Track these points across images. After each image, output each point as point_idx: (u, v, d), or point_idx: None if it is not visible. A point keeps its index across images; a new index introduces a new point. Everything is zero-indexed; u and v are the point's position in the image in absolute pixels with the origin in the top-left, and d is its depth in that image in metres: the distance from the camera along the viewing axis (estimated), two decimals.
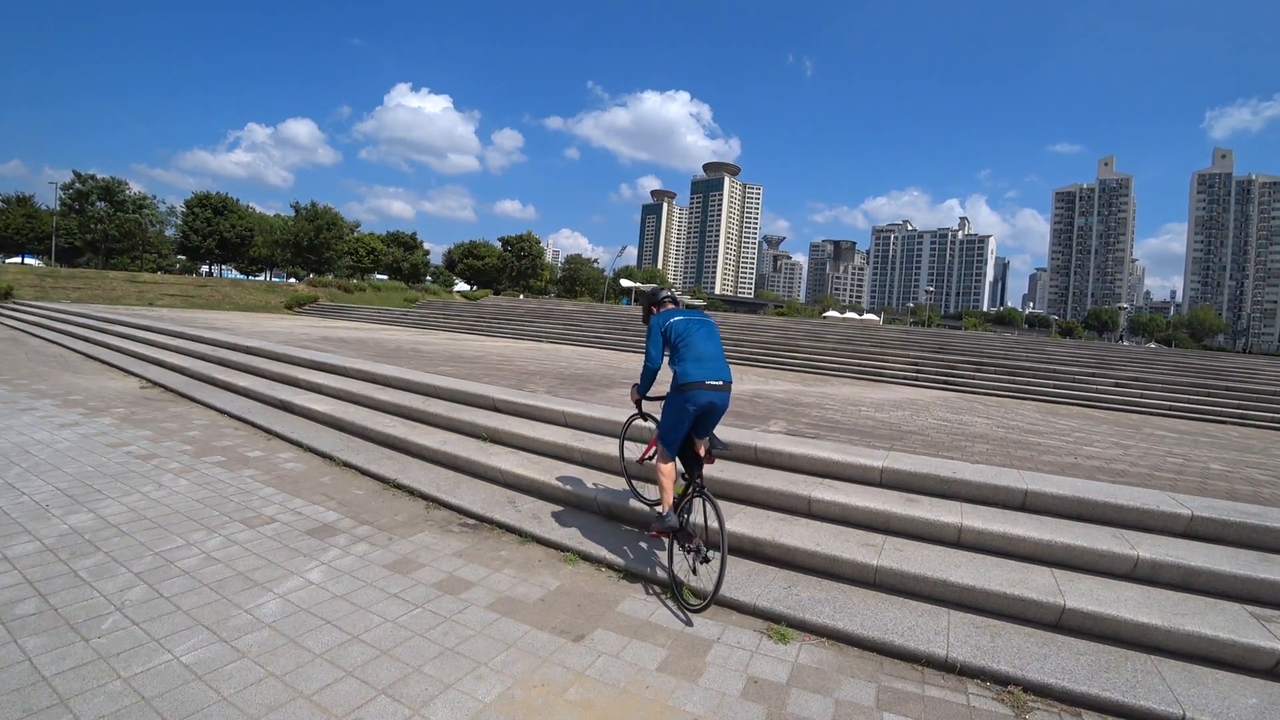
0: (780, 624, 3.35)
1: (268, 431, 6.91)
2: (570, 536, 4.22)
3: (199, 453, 6.03)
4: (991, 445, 6.37)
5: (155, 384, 9.67)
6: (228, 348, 11.57)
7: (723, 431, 4.49)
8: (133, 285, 36.13)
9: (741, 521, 4.18)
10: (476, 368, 10.27)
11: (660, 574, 3.75)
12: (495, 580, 3.67)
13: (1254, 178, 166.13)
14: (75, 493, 4.69)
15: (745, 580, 3.68)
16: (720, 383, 3.70)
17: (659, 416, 4.02)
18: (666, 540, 3.83)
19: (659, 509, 3.74)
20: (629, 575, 3.84)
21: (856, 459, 4.78)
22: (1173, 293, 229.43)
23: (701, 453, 3.91)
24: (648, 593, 3.67)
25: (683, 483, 3.91)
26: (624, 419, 5.05)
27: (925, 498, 4.44)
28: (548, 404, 6.41)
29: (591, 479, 5.00)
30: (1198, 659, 3.16)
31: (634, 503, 4.53)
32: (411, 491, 5.11)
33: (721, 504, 3.72)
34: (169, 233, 65.67)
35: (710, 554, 3.50)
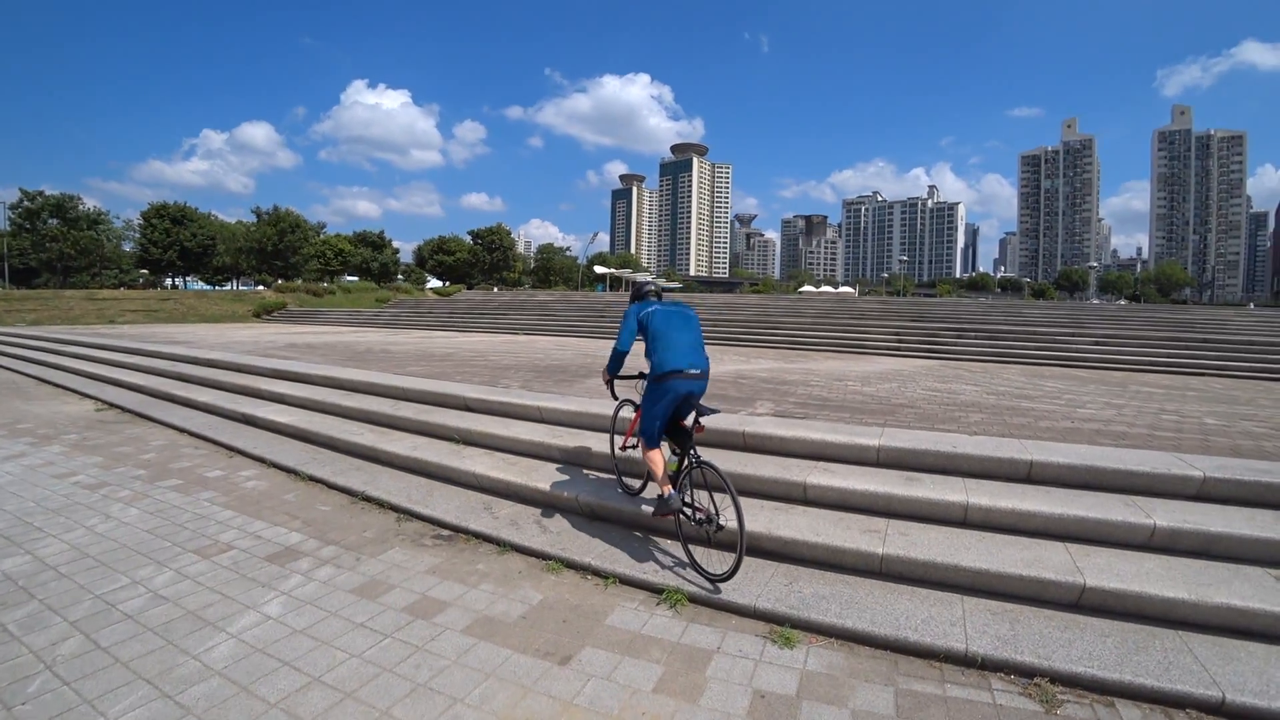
0: (784, 625, 3.09)
1: (229, 448, 6.52)
2: (552, 543, 3.92)
3: (153, 477, 5.63)
4: (985, 414, 6.17)
5: (111, 405, 9.17)
6: (188, 362, 11.06)
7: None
8: (92, 303, 34.92)
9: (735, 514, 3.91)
10: (448, 365, 9.89)
11: (653, 578, 3.47)
12: (472, 598, 3.37)
13: (1213, 133, 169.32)
14: (12, 533, 4.29)
15: (743, 579, 3.41)
16: (697, 371, 3.73)
17: (634, 399, 4.27)
18: (673, 520, 3.76)
19: (660, 493, 3.64)
20: (618, 581, 3.54)
21: (851, 438, 4.54)
22: (1139, 249, 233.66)
23: (688, 425, 3.84)
24: (639, 600, 3.38)
25: (675, 460, 3.87)
26: (603, 410, 5.02)
27: (926, 475, 4.20)
28: (522, 400, 6.09)
29: (572, 478, 4.69)
30: (1228, 631, 2.97)
31: (622, 503, 4.23)
32: (381, 504, 4.78)
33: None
34: (127, 247, 63.77)
35: (722, 520, 3.45)
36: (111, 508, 4.83)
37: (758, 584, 3.36)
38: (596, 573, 3.61)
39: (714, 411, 3.78)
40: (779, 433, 4.72)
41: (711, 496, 3.52)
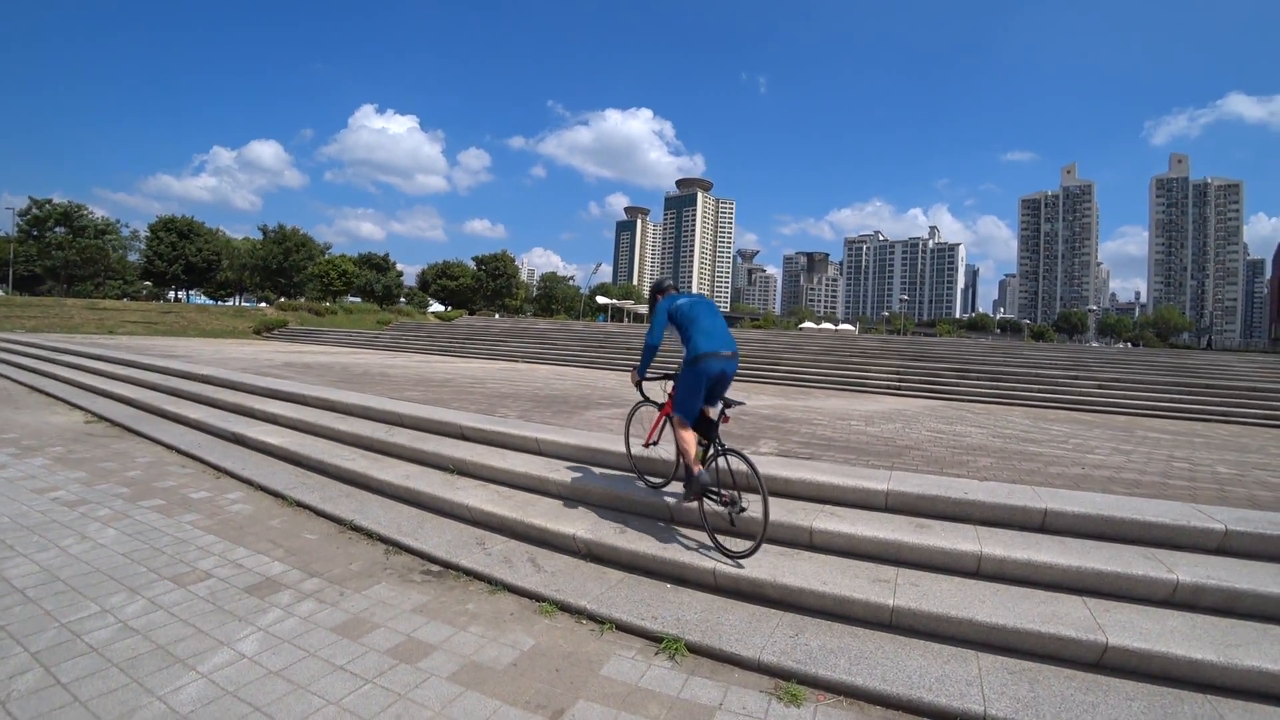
0: (790, 681, 2.90)
1: (217, 469, 6.34)
2: (546, 583, 3.73)
3: (136, 496, 5.46)
4: (994, 458, 6.02)
5: (101, 418, 9.00)
6: (181, 376, 10.92)
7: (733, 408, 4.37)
8: (92, 313, 34.91)
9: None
10: (446, 391, 9.74)
11: (650, 625, 3.29)
12: (460, 642, 3.18)
13: (1210, 181, 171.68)
14: None
15: (746, 628, 3.24)
16: (729, 352, 4.08)
17: (655, 399, 4.71)
18: (698, 504, 4.01)
19: (691, 470, 3.93)
20: (614, 627, 3.36)
21: (858, 482, 4.38)
22: (1137, 293, 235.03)
23: (714, 416, 4.16)
24: (636, 649, 3.19)
25: (700, 449, 4.12)
26: (603, 445, 5.11)
27: (936, 522, 4.05)
28: (520, 430, 5.93)
29: (570, 514, 4.52)
30: (1259, 696, 2.80)
31: (620, 542, 4.06)
32: (370, 534, 4.60)
33: None
34: (132, 258, 64.00)
35: (745, 503, 3.79)
36: (89, 527, 4.65)
37: (762, 635, 3.18)
38: (592, 617, 3.43)
39: (740, 403, 4.24)
40: (784, 474, 4.56)
41: (734, 480, 3.86)
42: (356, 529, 4.71)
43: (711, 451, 4.04)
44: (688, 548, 3.91)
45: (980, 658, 3.05)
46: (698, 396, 4.06)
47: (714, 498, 3.86)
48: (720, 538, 3.89)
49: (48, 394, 11.34)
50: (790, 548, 3.92)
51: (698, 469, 3.90)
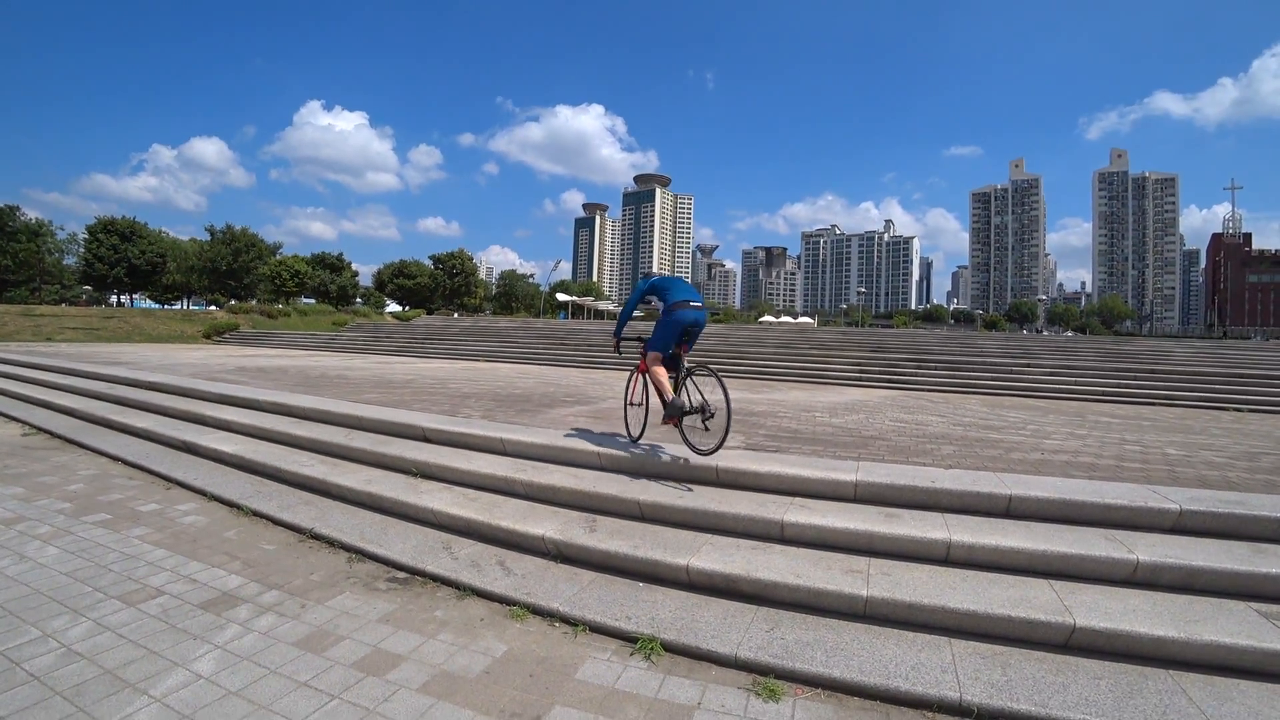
0: (767, 676, 2.88)
1: (166, 479, 6.07)
2: (517, 587, 3.64)
3: (79, 511, 5.18)
4: (956, 446, 6.13)
5: (40, 429, 8.54)
6: (127, 384, 10.45)
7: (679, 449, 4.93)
8: (28, 319, 33.24)
9: (710, 555, 3.70)
10: (407, 393, 9.52)
11: (625, 625, 3.23)
12: (429, 650, 3.08)
13: (1147, 175, 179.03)
14: None
15: (722, 625, 3.21)
16: (698, 304, 4.96)
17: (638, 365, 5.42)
18: (676, 425, 4.81)
19: (666, 398, 4.79)
20: (588, 629, 3.29)
21: (827, 474, 4.40)
22: (1082, 283, 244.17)
23: (680, 354, 5.06)
24: (612, 650, 3.13)
25: (673, 381, 4.95)
26: (569, 444, 5.33)
27: (906, 511, 4.09)
28: (484, 431, 5.80)
29: (537, 515, 4.41)
30: (1219, 669, 2.89)
31: (590, 541, 4.00)
32: (331, 542, 4.44)
33: (685, 534, 4.01)
34: (69, 261, 61.19)
35: (712, 409, 4.48)
36: (27, 546, 4.39)
37: (737, 630, 3.16)
38: (565, 619, 3.35)
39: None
40: (753, 468, 4.56)
41: (702, 395, 4.66)
42: (317, 537, 4.55)
43: (682, 375, 4.93)
44: (660, 545, 3.87)
45: (954, 644, 3.07)
46: (671, 338, 4.93)
47: (689, 414, 4.63)
48: (693, 442, 4.65)
49: None
50: (763, 541, 3.91)
51: (670, 396, 4.73)
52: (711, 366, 4.83)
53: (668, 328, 4.89)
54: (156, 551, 4.33)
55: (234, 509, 5.22)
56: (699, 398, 4.64)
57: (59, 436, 8.09)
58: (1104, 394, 14.13)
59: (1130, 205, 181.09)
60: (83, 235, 57.78)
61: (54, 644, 3.10)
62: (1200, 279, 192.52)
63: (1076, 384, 14.94)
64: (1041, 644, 3.07)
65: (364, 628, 3.29)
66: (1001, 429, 7.64)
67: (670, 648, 3.09)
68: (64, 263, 61.69)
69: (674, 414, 4.67)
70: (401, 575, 3.97)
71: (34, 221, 56.46)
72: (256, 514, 5.04)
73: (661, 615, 3.31)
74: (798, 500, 4.26)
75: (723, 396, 4.45)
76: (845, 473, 4.41)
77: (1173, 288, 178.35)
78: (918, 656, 2.96)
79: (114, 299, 62.66)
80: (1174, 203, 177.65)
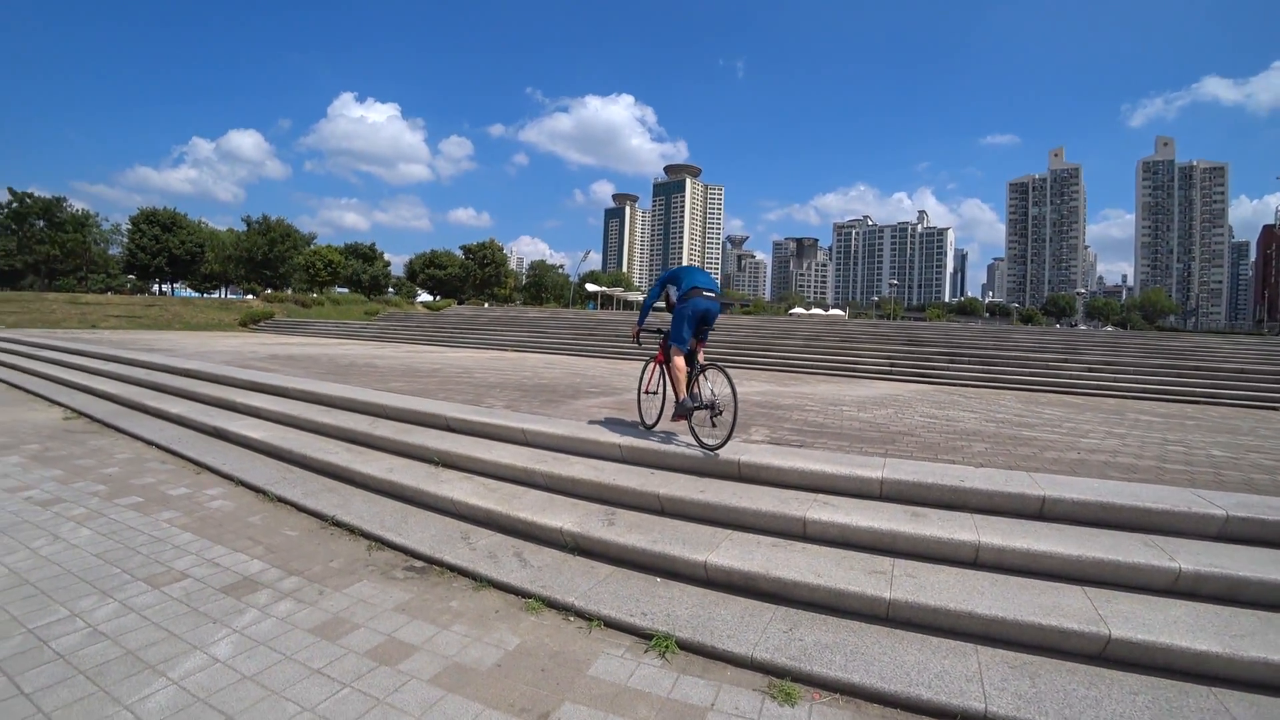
0: (784, 679, 2.81)
1: (197, 464, 6.19)
2: (533, 579, 3.62)
3: (112, 494, 5.30)
4: (988, 443, 5.95)
5: (80, 414, 8.79)
6: (163, 370, 10.71)
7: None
8: (74, 307, 34.37)
9: (729, 552, 3.63)
10: (432, 382, 9.58)
11: (640, 621, 3.17)
12: (443, 641, 3.07)
13: (1195, 164, 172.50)
14: None
15: (739, 624, 3.14)
16: (712, 293, 5.05)
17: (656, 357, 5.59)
18: (686, 421, 4.94)
19: (679, 396, 4.89)
20: (602, 624, 3.25)
21: (852, 470, 4.29)
22: (1124, 276, 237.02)
23: (699, 354, 5.16)
24: (625, 646, 3.08)
25: (688, 376, 5.00)
26: (591, 435, 5.26)
27: (933, 511, 3.96)
28: (506, 421, 5.80)
29: (556, 507, 4.39)
30: (1265, 688, 2.73)
31: (607, 534, 3.95)
32: (352, 530, 4.47)
33: (704, 529, 3.91)
34: (114, 251, 63.08)
35: (721, 407, 4.67)
36: (62, 527, 4.50)
37: (755, 630, 3.09)
38: (580, 614, 3.32)
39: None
40: (776, 463, 4.46)
41: (714, 393, 4.75)
42: (338, 524, 4.58)
43: (695, 372, 4.99)
44: (679, 540, 3.80)
45: (980, 651, 2.96)
46: (687, 328, 4.96)
47: (699, 410, 4.76)
48: (701, 437, 4.82)
49: (26, 390, 11.09)
50: (784, 539, 3.82)
51: (683, 396, 4.85)
52: (721, 365, 4.92)
53: (682, 318, 4.97)
54: (183, 535, 4.41)
55: (260, 494, 5.30)
56: (709, 394, 4.75)
57: (98, 421, 8.31)
58: (1145, 391, 13.64)
59: (1176, 195, 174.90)
60: (126, 226, 59.52)
61: (81, 624, 3.16)
62: (1249, 272, 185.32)
63: (1116, 380, 14.45)
64: (1074, 655, 2.94)
65: (379, 616, 3.30)
66: (1036, 426, 7.41)
67: (685, 646, 3.03)
68: (109, 252, 63.59)
69: (683, 413, 4.82)
70: (419, 564, 3.97)
71: (80, 213, 58.34)
72: (281, 500, 5.10)
73: (678, 612, 3.25)
74: (821, 497, 4.16)
75: (730, 392, 4.58)
76: (871, 469, 4.30)
77: (1220, 281, 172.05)
78: (942, 663, 2.85)
79: (156, 288, 64.47)
80: (1223, 193, 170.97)
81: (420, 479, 4.96)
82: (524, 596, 3.52)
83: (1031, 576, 3.43)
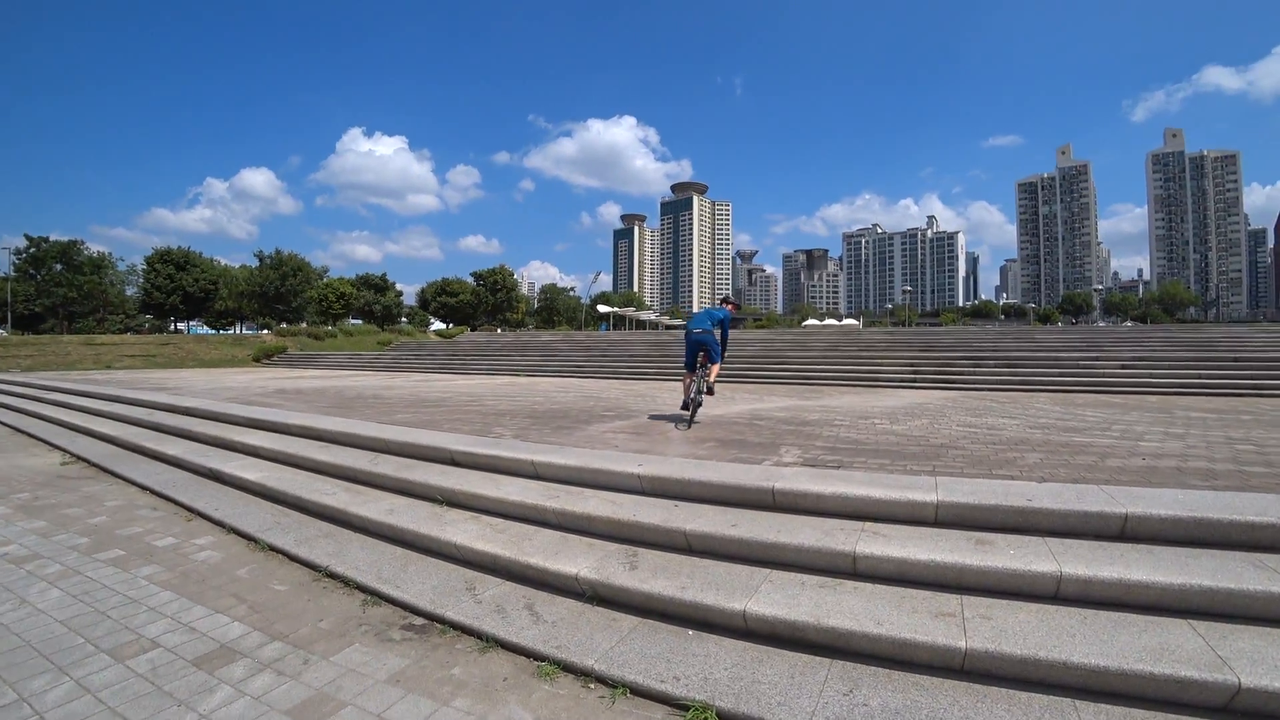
0: None
1: (189, 510, 5.80)
2: (546, 637, 3.14)
3: (94, 547, 4.92)
4: (1041, 452, 5.43)
5: (79, 458, 8.49)
6: (166, 410, 10.42)
7: (728, 467, 4.53)
8: (89, 348, 34.58)
9: (771, 597, 3.15)
10: (439, 412, 9.18)
11: (673, 688, 2.68)
12: None
13: (1206, 154, 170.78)
14: None
15: (788, 686, 2.65)
16: (699, 330, 7.36)
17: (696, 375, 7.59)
18: (687, 411, 7.37)
19: (685, 395, 7.36)
20: (628, 692, 2.75)
21: (902, 493, 3.80)
22: (1139, 271, 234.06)
23: (698, 370, 7.42)
24: None
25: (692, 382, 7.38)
26: (605, 466, 4.96)
27: (999, 536, 3.47)
28: (513, 453, 5.34)
29: (571, 549, 3.91)
30: None
31: (631, 581, 3.48)
32: (347, 582, 4.02)
33: (740, 569, 3.52)
34: (130, 291, 63.82)
35: (698, 399, 7.37)
36: (32, 589, 4.11)
37: (808, 694, 2.60)
38: (601, 679, 2.83)
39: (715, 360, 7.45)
40: (814, 488, 3.97)
41: (699, 388, 7.37)
42: (332, 576, 4.15)
43: (696, 375, 7.34)
44: (711, 585, 3.33)
45: (1080, 708, 2.47)
46: (688, 354, 7.38)
47: (695, 402, 7.28)
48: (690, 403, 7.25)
49: (30, 435, 10.85)
50: (831, 577, 3.33)
51: (686, 397, 7.28)
52: (700, 373, 7.35)
53: (686, 348, 7.43)
54: (162, 594, 4.00)
55: (251, 542, 4.89)
56: (695, 388, 7.28)
57: (95, 465, 7.99)
58: (1184, 386, 13.01)
59: (1189, 186, 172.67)
60: (141, 266, 60.20)
61: (26, 710, 2.74)
62: (1268, 259, 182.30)
63: (1152, 376, 13.83)
64: (1195, 707, 2.45)
65: (369, 690, 2.84)
66: (1085, 430, 6.87)
67: (727, 718, 2.55)
68: (126, 293, 64.30)
69: (685, 405, 7.32)
70: (419, 622, 3.52)
71: (96, 255, 59.03)
72: (272, 548, 4.69)
73: (716, 674, 2.76)
74: (869, 526, 3.67)
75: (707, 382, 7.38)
76: (923, 491, 3.81)
77: (1239, 270, 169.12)
78: None
79: (172, 326, 65.03)
80: (1236, 181, 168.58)
81: (422, 521, 4.52)
82: (536, 659, 3.04)
83: (1125, 610, 2.93)
